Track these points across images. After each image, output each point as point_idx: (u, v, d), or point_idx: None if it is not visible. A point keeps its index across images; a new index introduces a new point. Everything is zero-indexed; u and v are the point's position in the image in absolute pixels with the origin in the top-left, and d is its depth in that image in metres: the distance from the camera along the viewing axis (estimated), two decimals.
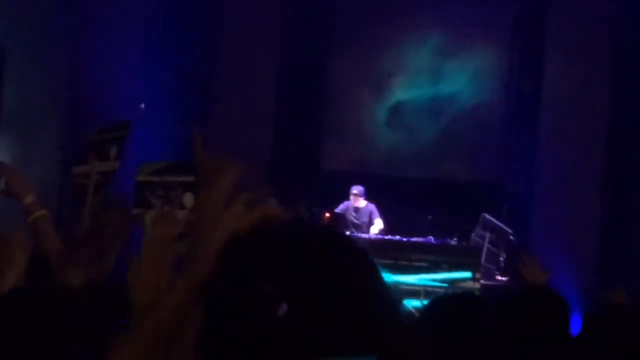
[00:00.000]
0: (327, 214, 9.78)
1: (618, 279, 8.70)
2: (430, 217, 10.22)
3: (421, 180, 11.21)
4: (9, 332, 2.03)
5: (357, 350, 1.06)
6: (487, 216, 9.89)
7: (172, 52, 10.66)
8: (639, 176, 10.15)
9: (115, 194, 2.72)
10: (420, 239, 9.88)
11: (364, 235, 9.74)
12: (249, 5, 11.02)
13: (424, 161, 11.42)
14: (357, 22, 11.61)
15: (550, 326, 2.71)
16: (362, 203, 10.10)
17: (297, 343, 1.06)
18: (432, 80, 11.46)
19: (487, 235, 9.75)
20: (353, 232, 9.80)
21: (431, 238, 9.99)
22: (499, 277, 9.60)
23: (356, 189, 10.05)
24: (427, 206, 10.53)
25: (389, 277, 8.71)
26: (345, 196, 10.22)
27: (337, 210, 10.14)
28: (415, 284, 9.11)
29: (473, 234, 9.97)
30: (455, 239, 10.06)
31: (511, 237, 9.71)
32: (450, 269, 9.33)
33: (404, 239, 9.75)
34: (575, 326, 2.82)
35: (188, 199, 1.95)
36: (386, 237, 9.77)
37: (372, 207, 10.10)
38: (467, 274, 9.34)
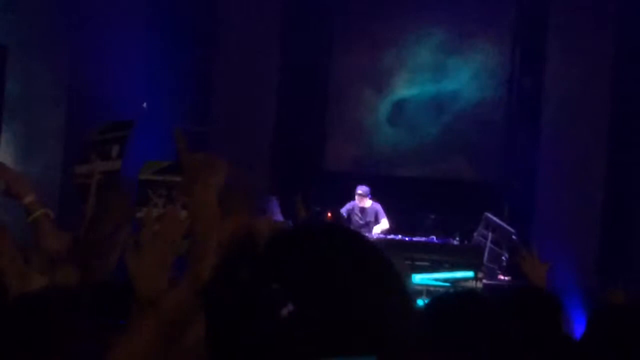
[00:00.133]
0: (329, 213, 9.77)
1: (619, 278, 8.69)
2: (432, 216, 10.21)
3: (423, 180, 11.20)
4: (11, 337, 2.03)
5: (358, 350, 1.06)
6: (490, 215, 9.89)
7: (173, 51, 10.66)
8: None
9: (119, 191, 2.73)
10: (423, 239, 9.88)
11: (367, 235, 9.74)
12: (249, 4, 11.02)
13: (426, 159, 11.40)
14: (358, 20, 11.61)
15: (542, 324, 2.71)
16: (367, 203, 10.07)
17: (300, 342, 1.06)
18: (434, 78, 11.43)
19: (490, 234, 9.75)
20: None
21: (433, 237, 9.98)
22: (502, 277, 9.59)
23: (361, 189, 10.02)
24: (429, 206, 10.53)
25: None
26: (348, 195, 10.21)
27: (343, 210, 10.12)
28: (418, 283, 9.11)
29: (475, 234, 9.96)
30: (457, 238, 10.06)
31: (513, 236, 9.70)
32: (453, 268, 9.31)
33: (406, 239, 9.75)
34: (577, 324, 2.83)
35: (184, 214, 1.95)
36: (388, 237, 9.76)
37: (378, 207, 10.07)
38: (469, 274, 9.34)
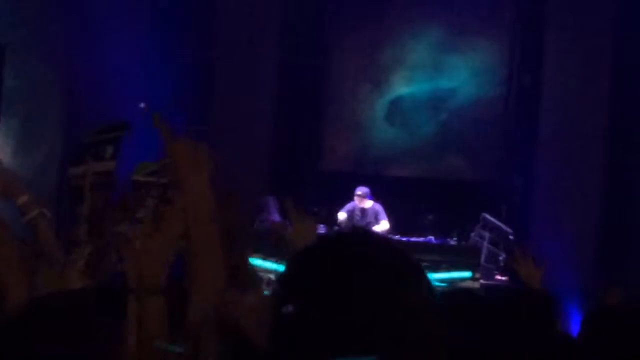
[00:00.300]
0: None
1: (617, 278, 8.69)
2: (430, 216, 10.21)
3: (421, 180, 11.19)
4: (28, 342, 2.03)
5: (360, 350, 1.07)
6: (487, 216, 9.89)
7: (172, 51, 10.65)
8: (639, 173, 10.13)
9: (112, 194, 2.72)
10: (420, 239, 9.87)
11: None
12: (248, 3, 11.01)
13: (424, 158, 11.39)
14: (355, 18, 11.59)
15: (540, 325, 2.71)
16: (367, 204, 10.03)
17: (307, 343, 1.07)
18: (432, 76, 11.41)
19: (487, 234, 9.75)
20: None
21: (431, 238, 9.98)
22: (499, 277, 9.59)
23: (360, 190, 9.98)
24: (427, 206, 10.53)
25: None
26: (345, 195, 10.19)
27: (343, 210, 10.07)
28: None
29: (473, 234, 9.97)
30: (455, 238, 10.06)
31: (511, 236, 9.70)
32: (450, 268, 9.32)
33: (404, 239, 9.74)
34: (575, 324, 2.83)
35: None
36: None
37: (379, 207, 10.03)
38: (466, 274, 9.34)
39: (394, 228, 10.01)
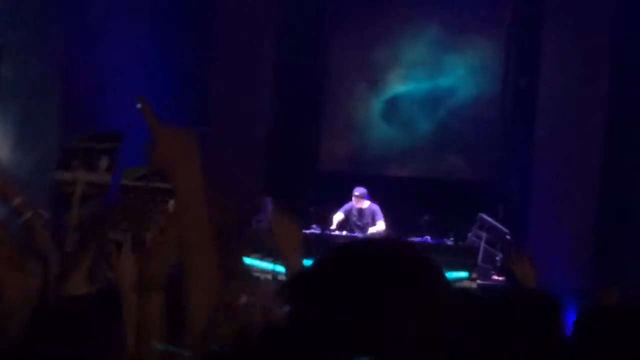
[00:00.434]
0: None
1: (615, 278, 8.70)
2: (426, 216, 10.21)
3: (418, 180, 11.19)
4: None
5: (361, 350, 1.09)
6: (484, 216, 9.89)
7: (171, 50, 10.65)
8: (637, 174, 10.14)
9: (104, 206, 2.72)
10: (417, 239, 9.87)
11: (360, 236, 9.73)
12: (247, 2, 11.02)
13: (421, 157, 11.39)
14: (352, 16, 11.59)
15: (540, 326, 2.72)
16: (365, 204, 10.03)
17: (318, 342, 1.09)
18: (430, 74, 11.41)
19: (484, 235, 9.75)
20: (353, 234, 9.80)
21: (428, 238, 9.98)
22: (496, 277, 9.60)
23: (358, 191, 9.98)
24: (423, 206, 10.52)
25: None
26: (343, 195, 10.19)
27: (341, 211, 10.09)
28: None
29: (469, 234, 9.97)
30: (451, 238, 10.07)
31: (508, 236, 9.71)
32: (447, 268, 9.31)
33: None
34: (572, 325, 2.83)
35: (172, 205, 1.96)
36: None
37: (376, 208, 10.03)
38: (463, 274, 9.35)
39: (391, 228, 10.00)
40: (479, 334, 2.39)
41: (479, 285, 9.14)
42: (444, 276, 1.20)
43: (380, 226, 9.86)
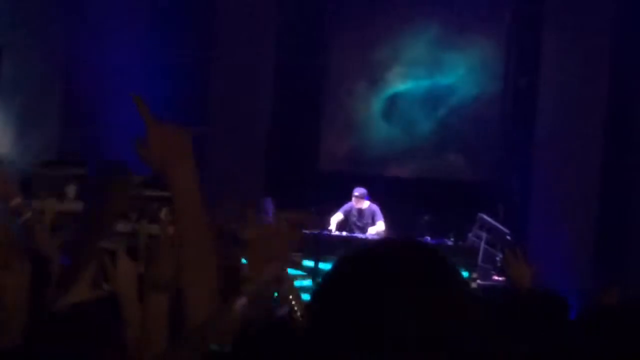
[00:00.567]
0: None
1: (615, 278, 8.70)
2: (426, 216, 10.20)
3: (418, 180, 11.19)
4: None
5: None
6: (484, 216, 9.89)
7: (171, 50, 10.65)
8: (637, 174, 10.14)
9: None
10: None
11: (360, 236, 9.73)
12: (247, 2, 11.01)
13: (421, 157, 11.38)
14: (353, 16, 11.58)
15: (545, 326, 2.71)
16: (365, 204, 10.02)
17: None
18: (430, 73, 11.39)
19: (484, 235, 9.75)
20: (353, 234, 9.79)
21: (428, 238, 9.97)
22: (496, 277, 9.59)
23: (358, 191, 9.97)
24: (423, 206, 10.51)
25: None
26: (342, 195, 10.18)
27: (340, 211, 10.07)
28: None
29: (470, 234, 9.97)
30: (452, 238, 10.05)
31: (508, 237, 9.70)
32: None
33: None
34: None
35: (165, 213, 1.97)
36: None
37: (376, 208, 10.02)
38: (463, 274, 9.32)
39: (391, 228, 10.00)
40: (482, 335, 2.39)
41: (479, 285, 9.13)
42: (457, 276, 1.20)
43: (380, 226, 9.85)
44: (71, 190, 2.75)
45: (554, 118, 10.54)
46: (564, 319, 2.85)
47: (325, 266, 8.80)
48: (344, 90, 11.62)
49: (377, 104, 11.54)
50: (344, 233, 9.88)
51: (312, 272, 8.76)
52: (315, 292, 1.18)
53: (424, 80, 11.39)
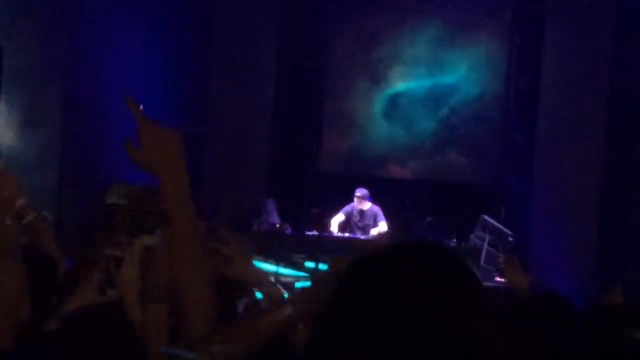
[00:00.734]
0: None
1: (617, 279, 8.67)
2: (429, 218, 10.18)
3: (420, 181, 11.17)
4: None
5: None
6: (486, 217, 9.87)
7: (170, 52, 10.63)
8: (638, 174, 10.12)
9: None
10: None
11: (362, 237, 9.71)
12: (247, 2, 11.01)
13: (423, 157, 11.37)
14: (353, 15, 11.57)
15: (560, 331, 2.70)
16: (366, 205, 10.01)
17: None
18: (430, 72, 11.37)
19: (487, 236, 9.73)
20: (355, 235, 9.77)
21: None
22: (498, 279, 9.57)
23: (360, 192, 9.96)
24: (425, 207, 10.50)
25: None
26: (343, 196, 10.17)
27: (342, 212, 10.05)
28: None
29: (472, 235, 9.95)
30: (454, 240, 10.04)
31: (510, 238, 9.68)
32: None
33: None
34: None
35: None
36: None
37: (377, 209, 10.01)
38: None
39: (393, 230, 9.98)
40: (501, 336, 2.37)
41: None
42: (477, 278, 1.19)
43: (382, 228, 9.84)
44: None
45: (555, 118, 10.53)
46: (568, 319, 2.83)
47: (325, 267, 8.78)
48: (344, 90, 11.61)
49: (378, 104, 11.53)
50: (346, 234, 9.86)
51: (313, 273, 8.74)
52: (332, 294, 1.16)
53: (425, 79, 11.37)
